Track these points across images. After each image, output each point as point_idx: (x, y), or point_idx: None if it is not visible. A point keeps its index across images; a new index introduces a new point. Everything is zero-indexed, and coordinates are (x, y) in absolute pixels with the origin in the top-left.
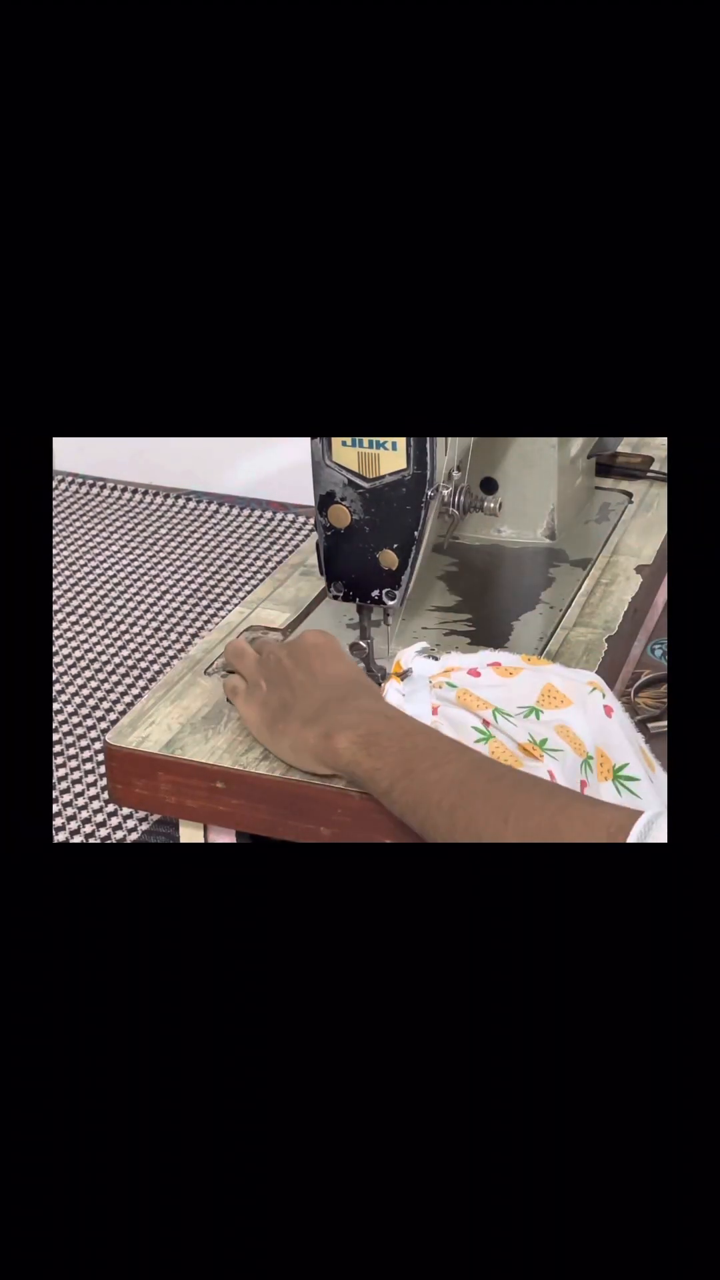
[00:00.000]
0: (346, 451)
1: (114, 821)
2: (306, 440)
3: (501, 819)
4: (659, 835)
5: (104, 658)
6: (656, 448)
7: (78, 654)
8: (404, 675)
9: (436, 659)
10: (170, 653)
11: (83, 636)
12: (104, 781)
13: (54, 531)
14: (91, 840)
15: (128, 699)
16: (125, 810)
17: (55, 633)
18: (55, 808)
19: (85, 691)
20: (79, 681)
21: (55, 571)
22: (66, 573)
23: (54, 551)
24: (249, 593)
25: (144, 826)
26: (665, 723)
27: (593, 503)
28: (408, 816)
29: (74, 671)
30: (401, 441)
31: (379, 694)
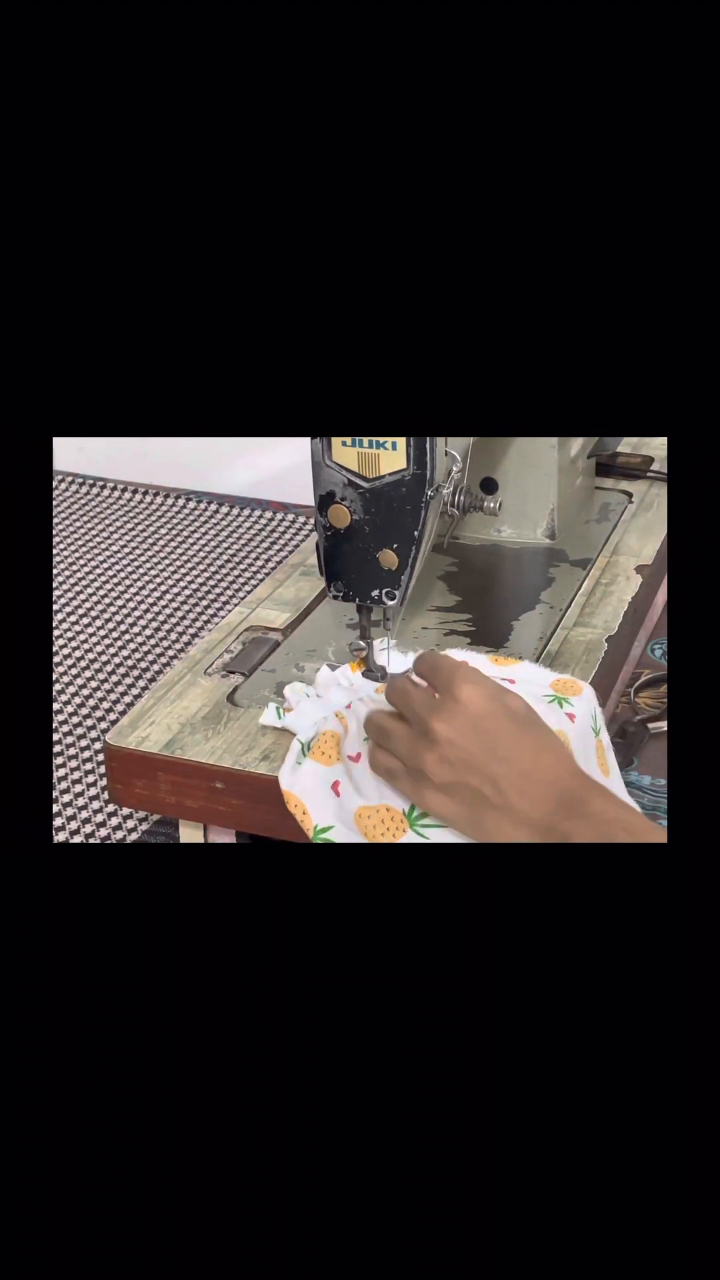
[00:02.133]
0: (346, 451)
1: (114, 821)
2: (306, 440)
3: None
4: None
5: (104, 658)
6: (656, 448)
7: (78, 654)
8: (368, 668)
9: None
10: (170, 653)
11: (83, 636)
12: (104, 781)
13: (54, 531)
14: (91, 840)
15: (128, 699)
16: (125, 810)
17: (55, 633)
18: (55, 808)
19: (85, 691)
20: (79, 681)
21: (55, 571)
22: (66, 573)
23: (54, 551)
24: (249, 593)
25: (144, 826)
26: (665, 723)
27: (593, 503)
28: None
29: (74, 671)
30: (401, 441)
31: (606, 791)
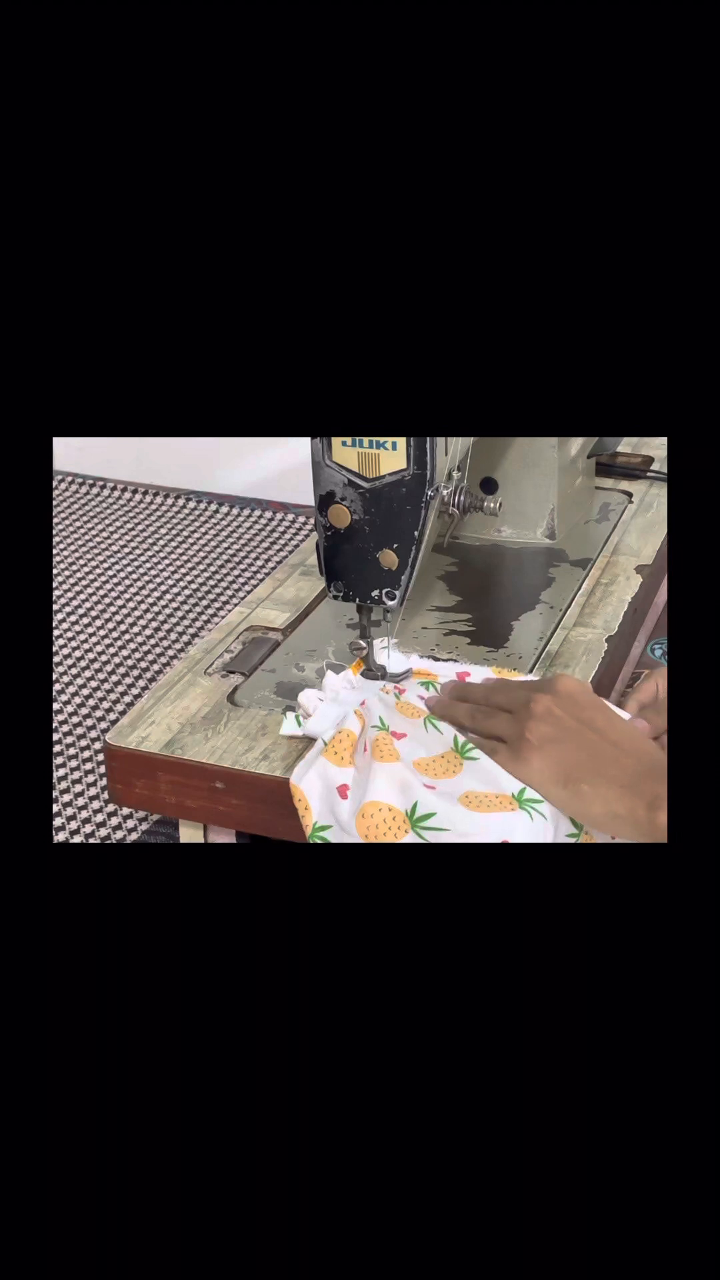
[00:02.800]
0: (346, 451)
1: (114, 821)
2: (306, 440)
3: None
4: None
5: (104, 658)
6: (656, 448)
7: (78, 654)
8: (371, 670)
9: (406, 657)
10: (170, 653)
11: (83, 636)
12: (104, 781)
13: (54, 531)
14: (91, 840)
15: (128, 699)
16: (125, 810)
17: (55, 633)
18: (55, 808)
19: (85, 691)
20: (79, 681)
21: (55, 571)
22: (66, 573)
23: (54, 551)
24: (249, 593)
25: (144, 826)
26: None
27: (593, 503)
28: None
29: (74, 671)
30: (401, 441)
31: None
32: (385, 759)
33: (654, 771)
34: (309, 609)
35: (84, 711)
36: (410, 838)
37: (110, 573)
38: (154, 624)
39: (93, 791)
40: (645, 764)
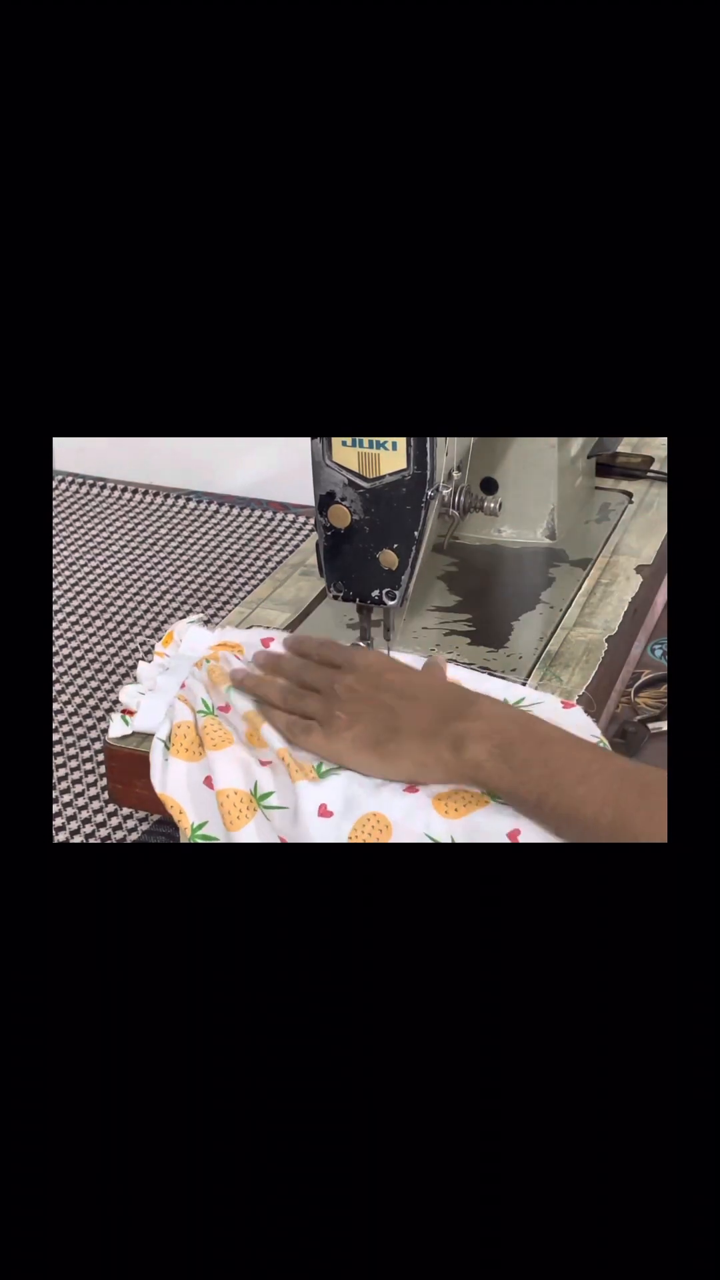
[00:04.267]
0: (346, 451)
1: (114, 821)
2: (306, 440)
3: (663, 831)
4: None
5: (104, 658)
6: (656, 448)
7: (78, 654)
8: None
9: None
10: None
11: (83, 636)
12: (104, 781)
13: (54, 531)
14: (91, 840)
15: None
16: (125, 810)
17: (55, 633)
18: (55, 808)
19: (85, 691)
20: (79, 681)
21: (55, 571)
22: (66, 573)
23: (54, 551)
24: (249, 593)
25: (144, 826)
26: (665, 723)
27: (593, 503)
28: (562, 831)
29: (74, 671)
30: (401, 441)
31: (492, 697)
32: (220, 745)
33: (451, 711)
34: (309, 609)
35: (84, 711)
36: (258, 817)
37: (110, 573)
38: (154, 624)
39: (93, 791)
40: (442, 708)
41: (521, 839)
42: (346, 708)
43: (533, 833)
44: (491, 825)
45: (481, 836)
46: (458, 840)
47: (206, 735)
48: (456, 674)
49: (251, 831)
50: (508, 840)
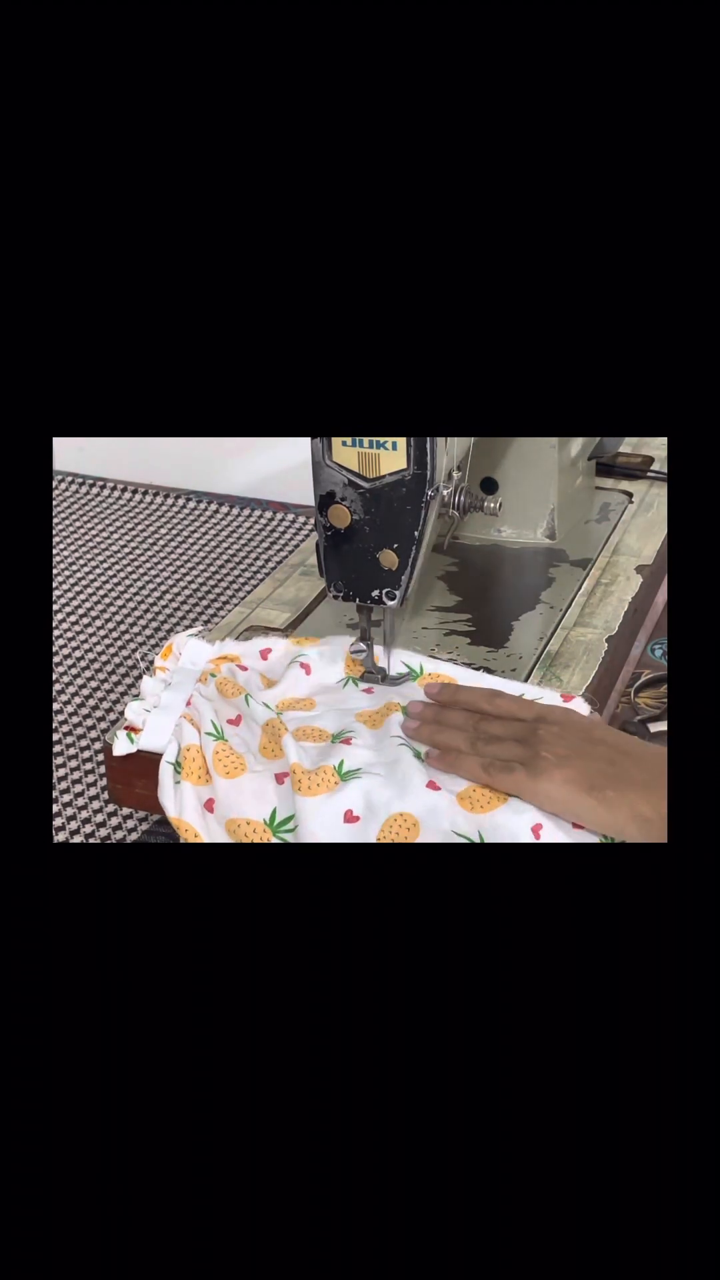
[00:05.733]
0: (346, 451)
1: (114, 821)
2: (306, 440)
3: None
4: None
5: (104, 658)
6: (656, 448)
7: (78, 654)
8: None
9: (211, 644)
10: None
11: (83, 636)
12: (104, 781)
13: (54, 531)
14: (91, 840)
15: (127, 699)
16: (125, 810)
17: (55, 633)
18: (55, 808)
19: (85, 691)
20: (79, 681)
21: (55, 571)
22: (66, 573)
23: (54, 551)
24: (249, 593)
25: (144, 826)
26: (665, 723)
27: (593, 503)
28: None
29: (74, 671)
30: (401, 441)
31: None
32: (232, 774)
33: (659, 770)
34: (309, 609)
35: (84, 711)
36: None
37: (110, 573)
38: (154, 624)
39: (93, 791)
40: (659, 767)
41: (543, 833)
42: (555, 749)
43: (554, 826)
44: (516, 821)
45: (506, 832)
46: (484, 835)
47: (218, 761)
48: (456, 674)
49: None
50: (531, 834)
